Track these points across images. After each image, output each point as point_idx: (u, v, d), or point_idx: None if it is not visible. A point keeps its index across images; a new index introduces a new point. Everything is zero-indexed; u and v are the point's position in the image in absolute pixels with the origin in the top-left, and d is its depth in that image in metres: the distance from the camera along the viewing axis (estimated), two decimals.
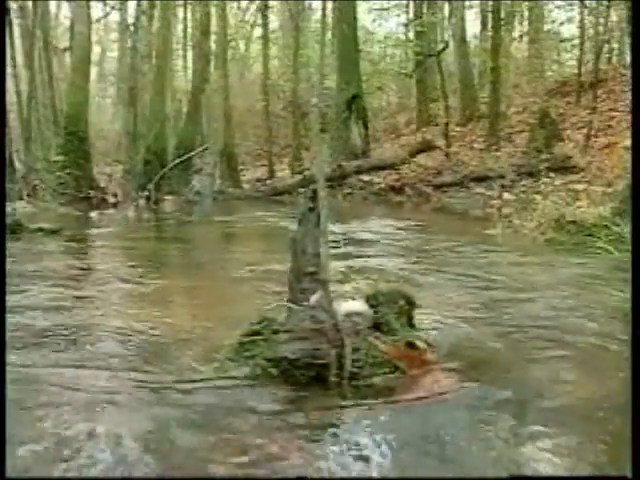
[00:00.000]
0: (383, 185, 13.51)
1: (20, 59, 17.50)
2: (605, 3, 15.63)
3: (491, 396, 2.28)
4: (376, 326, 2.55)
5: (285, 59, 21.73)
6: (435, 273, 4.74)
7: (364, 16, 20.96)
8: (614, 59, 18.69)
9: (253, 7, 23.68)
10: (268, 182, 15.61)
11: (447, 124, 15.43)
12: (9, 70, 14.75)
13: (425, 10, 19.85)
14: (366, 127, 15.79)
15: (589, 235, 5.85)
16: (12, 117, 14.94)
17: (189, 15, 20.67)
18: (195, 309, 3.73)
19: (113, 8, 21.17)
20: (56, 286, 4.28)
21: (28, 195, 12.00)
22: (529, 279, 4.47)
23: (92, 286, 4.50)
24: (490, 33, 17.20)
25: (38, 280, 4.39)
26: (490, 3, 17.70)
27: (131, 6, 19.14)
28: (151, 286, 4.48)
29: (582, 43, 16.45)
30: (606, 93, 15.35)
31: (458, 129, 16.76)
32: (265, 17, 19.79)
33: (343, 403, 2.21)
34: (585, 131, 13.62)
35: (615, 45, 18.86)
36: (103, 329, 3.15)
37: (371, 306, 2.61)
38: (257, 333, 2.48)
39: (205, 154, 14.76)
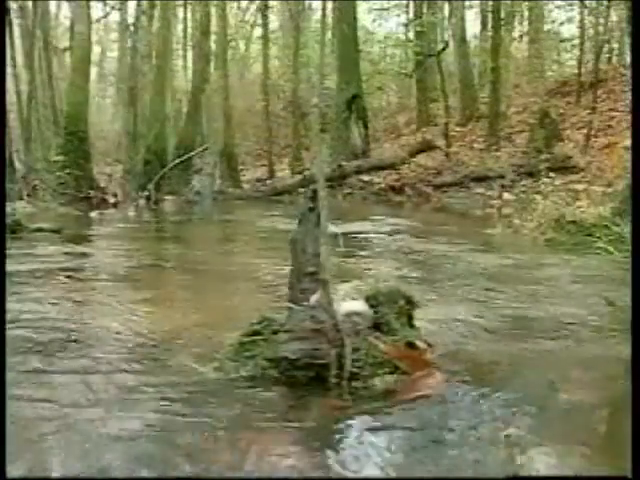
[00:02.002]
0: (383, 185, 13.51)
1: (20, 59, 17.50)
2: (605, 3, 15.65)
3: (491, 397, 2.28)
4: (376, 326, 2.55)
5: (285, 59, 21.73)
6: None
7: (364, 16, 21.00)
8: (614, 59, 18.70)
9: (253, 7, 23.69)
10: (268, 182, 15.62)
11: (447, 124, 15.44)
12: (9, 70, 14.76)
13: (425, 10, 19.86)
14: (366, 127, 15.79)
15: (589, 235, 5.86)
16: (12, 117, 14.94)
17: (189, 15, 20.67)
18: (195, 309, 3.72)
19: (113, 8, 21.17)
20: (53, 285, 4.28)
21: (28, 195, 11.99)
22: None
23: (91, 286, 4.50)
24: (490, 33, 17.22)
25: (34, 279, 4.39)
26: (490, 3, 17.72)
27: (131, 6, 19.15)
28: (151, 285, 4.48)
29: (582, 43, 16.47)
30: (606, 93, 15.36)
31: (458, 129, 16.77)
32: (265, 17, 19.81)
33: (343, 403, 2.21)
34: (585, 131, 13.63)
35: (615, 45, 18.87)
36: (101, 329, 3.15)
37: (371, 306, 2.60)
38: (257, 333, 2.47)
39: (205, 154, 14.76)
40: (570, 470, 1.81)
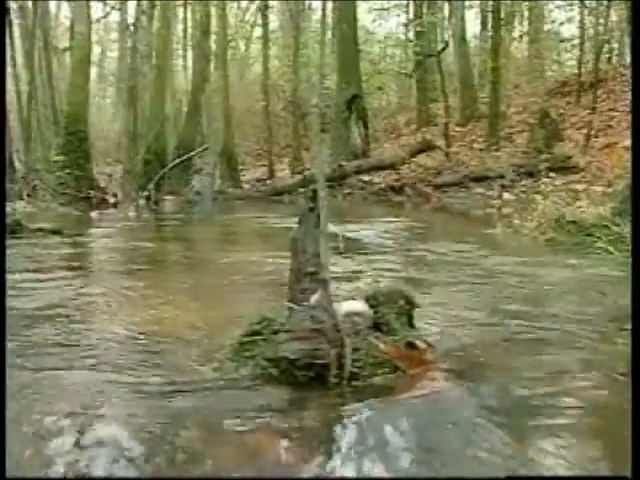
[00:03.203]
0: (383, 185, 13.52)
1: (20, 59, 17.53)
2: (605, 3, 15.66)
3: (491, 396, 2.28)
4: (376, 326, 2.55)
5: (285, 59, 21.75)
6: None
7: (364, 16, 21.02)
8: (614, 59, 18.72)
9: (253, 7, 23.71)
10: (268, 182, 15.64)
11: (447, 124, 15.45)
12: (9, 70, 14.77)
13: (425, 10, 19.87)
14: (366, 127, 15.81)
15: (589, 235, 5.86)
16: (12, 117, 14.94)
17: (189, 15, 20.71)
18: (195, 308, 3.72)
19: (113, 8, 21.19)
20: (54, 285, 4.28)
21: (28, 195, 12.01)
22: None
23: (91, 286, 4.50)
24: (490, 33, 17.23)
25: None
26: (490, 3, 17.72)
27: (131, 6, 19.18)
28: (150, 284, 4.48)
29: (582, 43, 16.49)
30: (606, 93, 15.38)
31: (458, 129, 16.78)
32: (265, 17, 19.83)
33: (343, 403, 2.21)
34: (585, 131, 13.64)
35: (615, 45, 18.89)
36: (100, 328, 3.15)
37: (371, 306, 2.60)
38: (257, 333, 2.47)
39: (205, 154, 14.77)
40: None
